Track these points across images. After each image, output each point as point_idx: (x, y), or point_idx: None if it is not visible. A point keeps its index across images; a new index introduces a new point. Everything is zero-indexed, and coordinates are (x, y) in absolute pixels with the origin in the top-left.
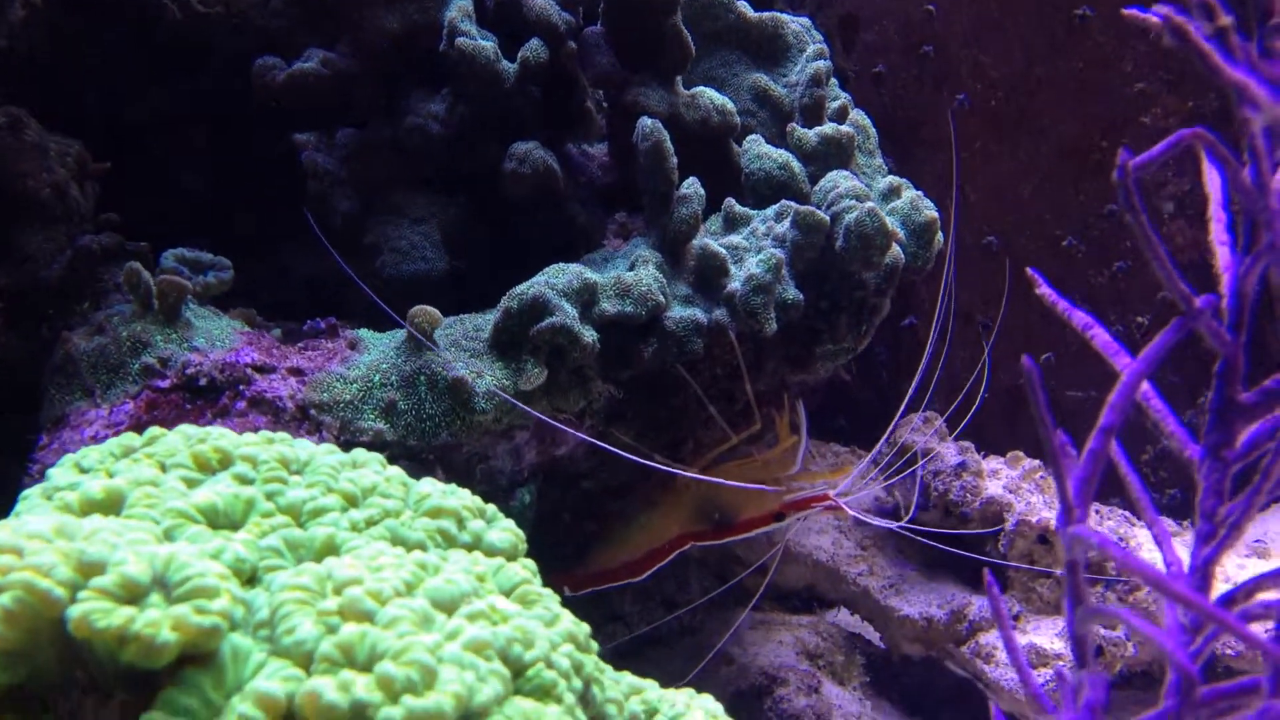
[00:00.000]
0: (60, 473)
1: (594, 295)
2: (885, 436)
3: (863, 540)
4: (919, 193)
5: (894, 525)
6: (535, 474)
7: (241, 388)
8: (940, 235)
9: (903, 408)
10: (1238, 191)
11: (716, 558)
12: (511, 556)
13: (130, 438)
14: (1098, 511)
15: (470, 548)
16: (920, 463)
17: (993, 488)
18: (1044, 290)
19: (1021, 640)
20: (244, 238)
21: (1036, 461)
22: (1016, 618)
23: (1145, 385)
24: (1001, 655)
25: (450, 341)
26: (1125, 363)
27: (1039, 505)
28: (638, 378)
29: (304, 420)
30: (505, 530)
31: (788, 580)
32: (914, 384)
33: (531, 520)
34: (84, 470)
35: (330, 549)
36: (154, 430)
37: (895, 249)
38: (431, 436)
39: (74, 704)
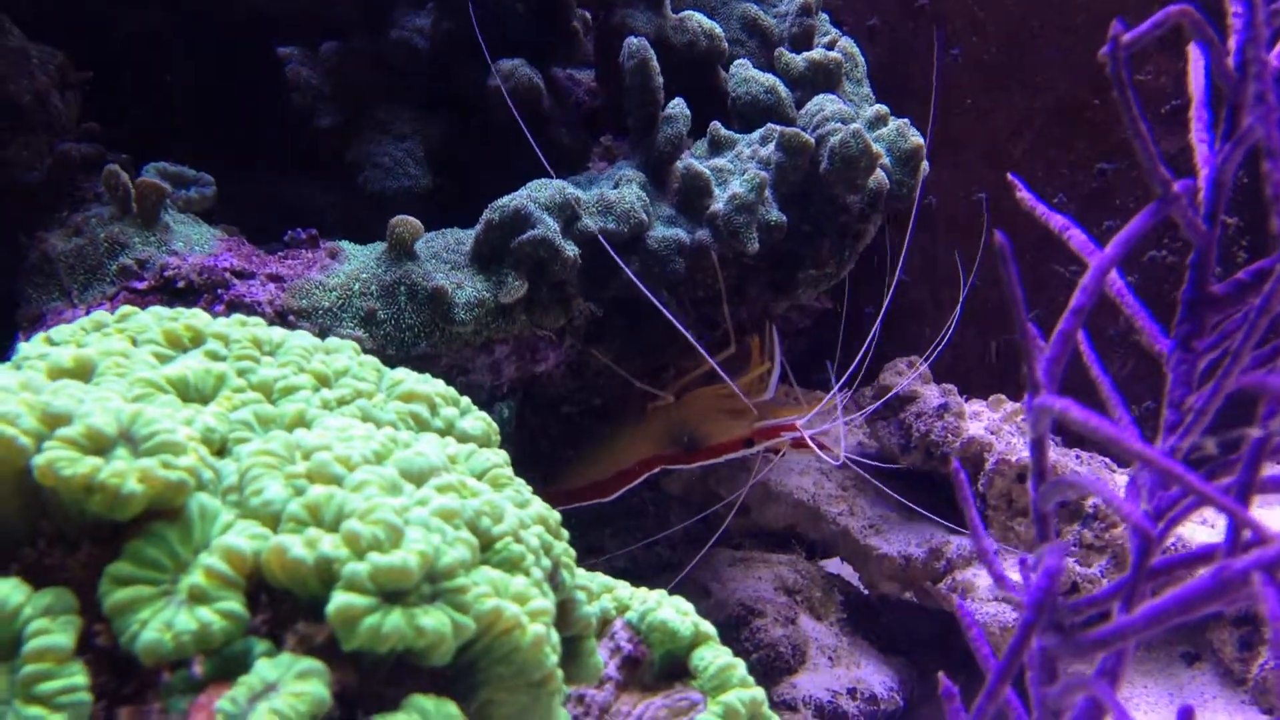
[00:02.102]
0: (30, 346)
1: (576, 211)
2: (854, 366)
3: (844, 481)
4: (905, 120)
5: (835, 461)
6: (514, 390)
7: (220, 291)
8: (926, 164)
9: (869, 341)
10: (1219, 77)
11: (700, 497)
12: (484, 444)
13: (102, 315)
14: (1078, 456)
15: (442, 433)
16: (839, 393)
17: (974, 429)
18: (1023, 194)
19: None
20: (227, 161)
21: (1018, 404)
22: (994, 555)
23: (1119, 283)
24: (979, 590)
25: (431, 253)
26: (1094, 256)
27: (1019, 446)
28: (619, 298)
29: (282, 326)
30: (478, 419)
31: (769, 520)
32: (880, 316)
33: (511, 437)
34: (54, 343)
35: (301, 423)
36: (125, 308)
37: (879, 174)
38: (410, 347)
39: (40, 554)
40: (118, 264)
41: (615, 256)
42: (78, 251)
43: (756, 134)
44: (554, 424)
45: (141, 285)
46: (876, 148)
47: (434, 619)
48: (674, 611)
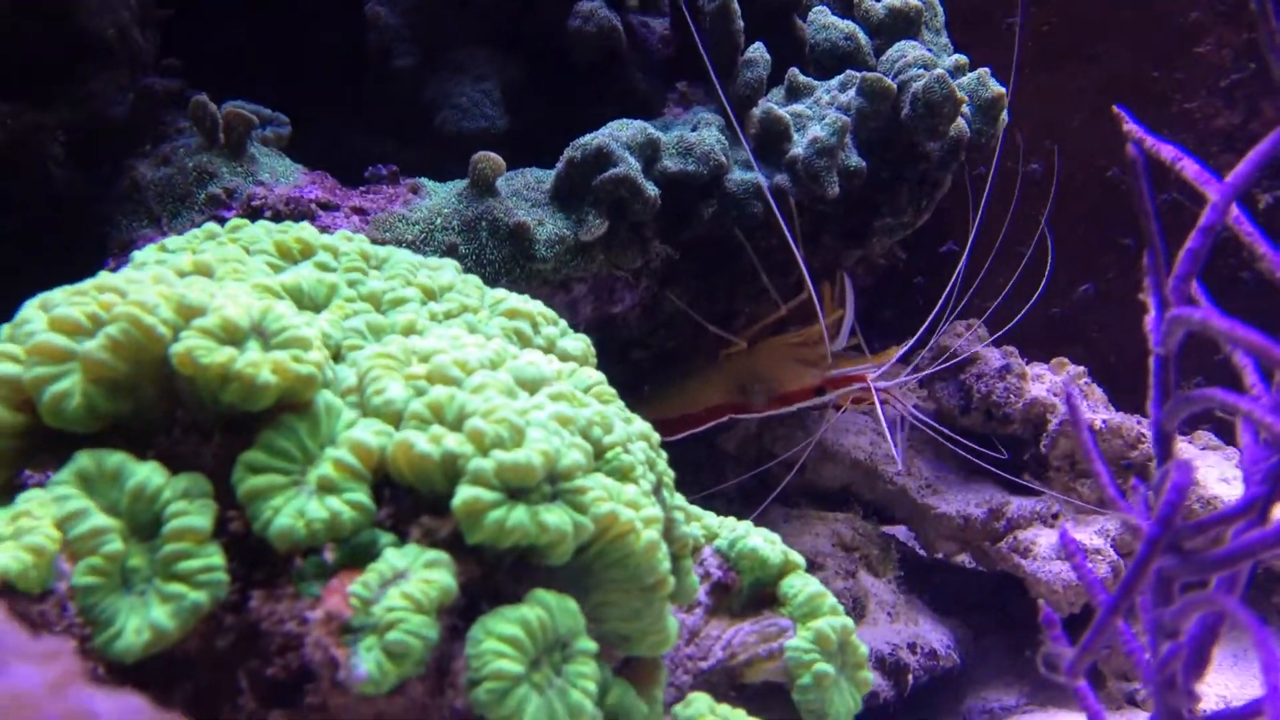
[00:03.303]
0: (144, 253)
1: (657, 151)
2: (924, 328)
3: (901, 442)
4: (986, 69)
5: (909, 415)
6: (590, 332)
7: (305, 222)
8: (1005, 115)
9: (953, 282)
10: None
11: (754, 455)
12: (583, 363)
13: (212, 226)
14: (1139, 420)
15: (544, 351)
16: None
17: (1036, 390)
18: (1131, 126)
19: None
20: (292, 108)
21: (1081, 367)
22: (1055, 516)
23: (1236, 211)
24: (1039, 549)
25: (512, 191)
26: (1216, 188)
27: (1083, 408)
28: (695, 241)
29: None
30: (578, 339)
31: (824, 479)
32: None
33: None
34: (169, 250)
35: (412, 333)
36: (236, 220)
37: (960, 122)
38: (491, 282)
39: (174, 442)
40: (206, 193)
41: (752, 152)
42: (166, 180)
43: (835, 80)
44: (625, 372)
45: (229, 214)
46: (960, 94)
47: (556, 516)
48: (763, 540)
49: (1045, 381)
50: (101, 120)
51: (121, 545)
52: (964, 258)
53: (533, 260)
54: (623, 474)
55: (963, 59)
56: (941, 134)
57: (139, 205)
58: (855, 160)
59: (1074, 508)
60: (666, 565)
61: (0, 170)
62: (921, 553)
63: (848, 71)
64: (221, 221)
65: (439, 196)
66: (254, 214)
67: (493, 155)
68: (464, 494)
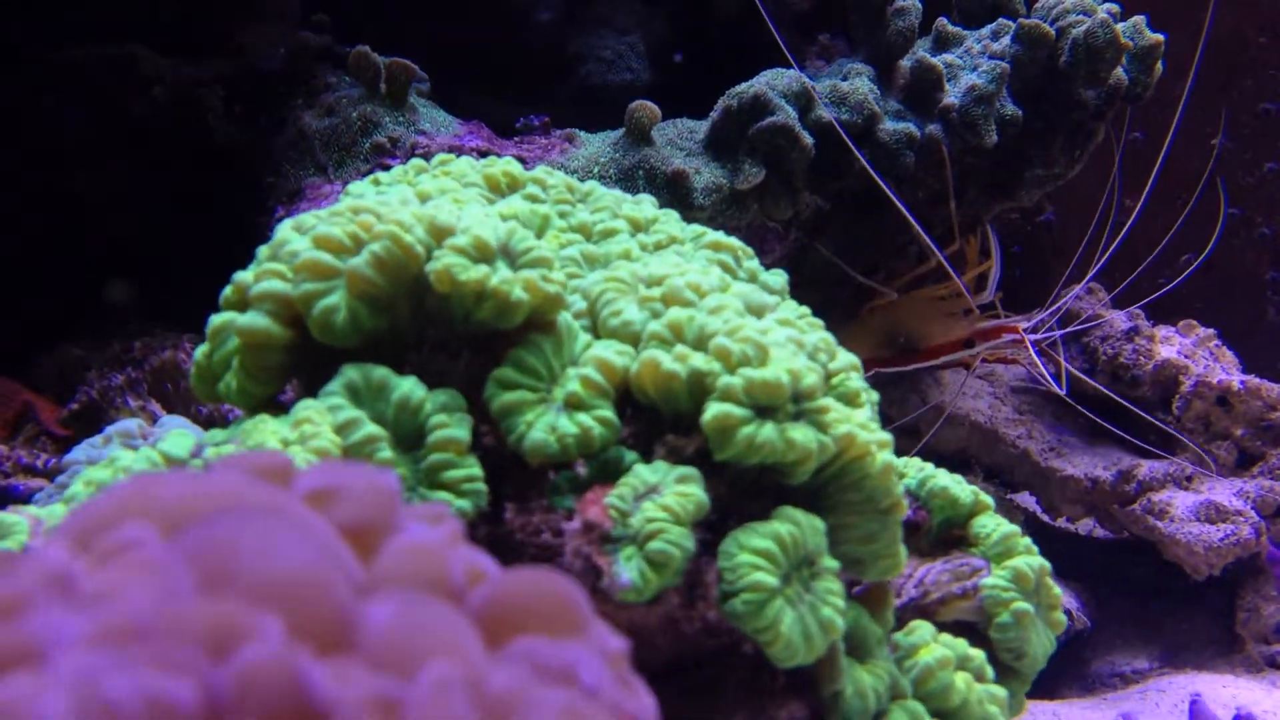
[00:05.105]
0: (359, 186)
1: (810, 100)
2: (1066, 294)
3: (1020, 405)
4: (1141, 17)
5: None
6: None
7: (509, 157)
8: (1160, 65)
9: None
10: None
11: None
12: (783, 297)
13: (420, 161)
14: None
15: (748, 283)
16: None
17: (1166, 352)
18: None
19: (1198, 499)
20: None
21: (1211, 330)
22: (1190, 479)
23: None
24: (1175, 510)
25: (665, 140)
26: None
27: (1217, 370)
28: (844, 191)
29: None
30: (777, 274)
31: (941, 442)
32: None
33: None
34: (381, 184)
35: (628, 261)
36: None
37: (1118, 69)
38: None
39: (424, 359)
40: (371, 141)
41: (849, 141)
42: (331, 130)
43: (986, 29)
44: None
45: (394, 162)
46: (1125, 39)
47: (802, 434)
48: (952, 480)
49: (1174, 344)
50: (256, 73)
51: (392, 453)
52: (1134, 219)
53: (690, 208)
54: (850, 399)
55: (1115, 6)
56: (1102, 81)
57: (305, 154)
58: (1011, 109)
59: (1210, 470)
60: (900, 489)
61: (164, 123)
62: (1044, 517)
63: (1000, 19)
64: (386, 169)
65: (594, 146)
66: None
67: (649, 104)
68: (714, 410)
